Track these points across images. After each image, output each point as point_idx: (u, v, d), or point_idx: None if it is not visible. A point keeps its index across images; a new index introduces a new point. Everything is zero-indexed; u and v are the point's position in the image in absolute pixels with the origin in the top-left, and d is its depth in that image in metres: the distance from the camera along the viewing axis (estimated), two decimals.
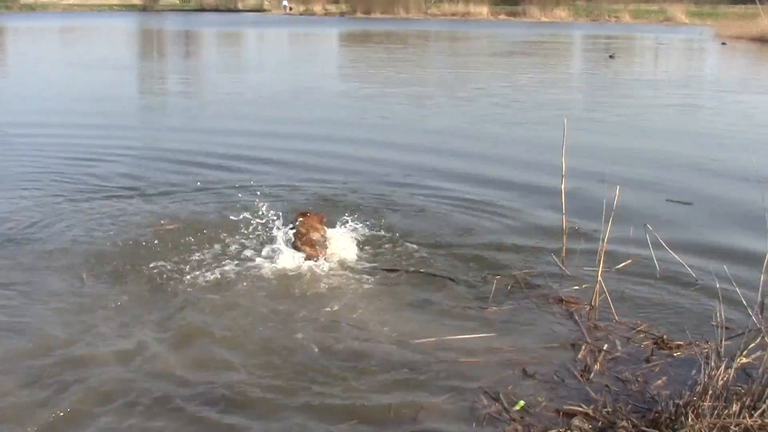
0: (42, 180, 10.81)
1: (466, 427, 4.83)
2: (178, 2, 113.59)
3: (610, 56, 35.49)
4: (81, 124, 15.90)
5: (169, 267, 7.24)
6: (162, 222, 8.40)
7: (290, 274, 7.26)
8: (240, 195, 9.58)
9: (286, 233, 7.64)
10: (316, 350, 5.80)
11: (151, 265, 7.28)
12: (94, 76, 26.93)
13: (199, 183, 10.60)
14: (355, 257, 7.71)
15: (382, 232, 8.40)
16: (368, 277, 7.27)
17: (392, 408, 5.02)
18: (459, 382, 5.36)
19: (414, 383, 5.35)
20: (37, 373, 5.33)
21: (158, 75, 29.46)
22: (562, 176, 7.49)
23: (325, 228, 7.83)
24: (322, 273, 7.29)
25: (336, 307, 6.59)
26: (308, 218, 7.79)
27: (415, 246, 8.09)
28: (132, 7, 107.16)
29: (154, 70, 31.67)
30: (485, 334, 6.10)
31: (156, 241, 7.86)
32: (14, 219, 8.78)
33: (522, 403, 5.02)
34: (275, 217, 7.86)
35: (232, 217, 8.16)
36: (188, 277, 7.05)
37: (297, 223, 7.69)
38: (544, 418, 4.90)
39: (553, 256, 7.70)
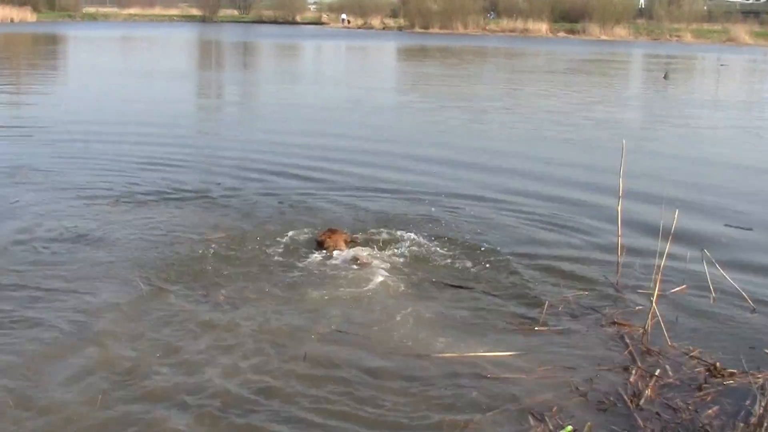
0: (98, 185, 11.06)
1: None
2: (236, 14, 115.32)
3: (664, 77, 34.91)
4: (139, 132, 16.19)
5: (216, 275, 7.38)
6: (209, 234, 8.49)
7: (329, 286, 7.31)
8: (290, 206, 9.69)
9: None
10: (361, 365, 5.79)
11: (201, 272, 7.43)
12: (153, 84, 27.50)
13: (252, 192, 10.74)
14: (395, 274, 7.72)
15: (435, 247, 8.39)
16: (416, 291, 7.27)
17: (436, 426, 4.98)
18: (505, 402, 5.29)
19: (459, 401, 5.31)
20: (101, 385, 5.38)
21: (216, 85, 29.99)
22: (619, 197, 7.41)
23: (351, 246, 8.17)
24: (366, 287, 7.31)
25: (383, 322, 6.58)
26: (335, 234, 8.17)
27: (467, 260, 8.07)
28: (191, 18, 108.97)
29: (212, 80, 32.23)
30: (534, 354, 6.03)
31: (206, 250, 8.02)
32: (69, 224, 8.97)
33: (569, 428, 4.93)
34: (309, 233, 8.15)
35: (274, 228, 8.37)
36: (234, 285, 7.18)
37: (321, 238, 8.13)
38: None
39: (607, 278, 7.60)
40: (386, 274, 7.54)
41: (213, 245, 8.17)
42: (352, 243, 8.23)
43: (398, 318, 6.66)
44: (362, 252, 8.09)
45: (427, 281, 7.52)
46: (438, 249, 8.36)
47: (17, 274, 7.27)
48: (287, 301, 6.93)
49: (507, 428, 4.96)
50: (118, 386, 5.33)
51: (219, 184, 11.32)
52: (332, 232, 8.19)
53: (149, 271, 7.45)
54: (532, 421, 5.04)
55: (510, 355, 5.97)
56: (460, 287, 7.38)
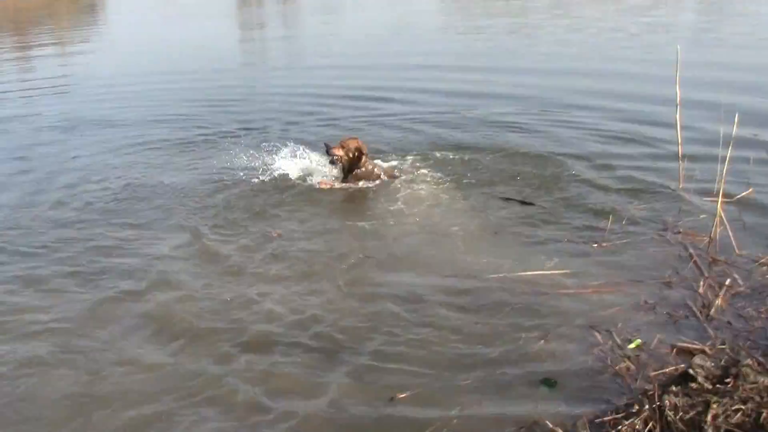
0: (151, 132, 11.16)
1: (577, 365, 4.70)
2: None
3: None
4: (186, 76, 16.25)
5: (270, 212, 7.50)
6: (262, 172, 8.53)
7: (381, 211, 7.38)
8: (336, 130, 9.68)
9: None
10: (422, 290, 5.77)
11: (256, 211, 7.55)
12: (195, 25, 27.43)
13: (301, 121, 10.71)
14: (452, 191, 7.68)
15: (491, 163, 8.34)
16: (473, 209, 7.24)
17: (499, 345, 4.96)
18: (570, 318, 5.23)
19: (523, 320, 5.26)
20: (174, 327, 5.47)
21: (258, 21, 29.75)
22: (677, 105, 7.18)
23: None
24: (419, 207, 7.33)
25: (441, 242, 6.58)
26: (348, 141, 8.07)
27: (527, 176, 8.02)
28: None
29: (253, 16, 31.98)
30: (597, 268, 5.94)
31: (260, 188, 8.12)
32: (127, 174, 9.08)
33: (638, 341, 4.85)
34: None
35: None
36: (288, 220, 7.29)
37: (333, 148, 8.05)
38: (661, 357, 4.72)
39: (670, 187, 7.43)
40: (442, 193, 7.54)
41: (266, 183, 8.24)
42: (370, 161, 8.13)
43: (456, 237, 6.65)
44: (384, 164, 8.25)
45: (485, 198, 7.49)
46: (496, 166, 8.32)
47: (81, 225, 7.43)
48: (340, 230, 7.03)
49: (572, 346, 4.92)
50: (190, 327, 5.42)
51: (271, 119, 11.32)
52: (345, 141, 8.09)
53: (207, 213, 7.54)
54: (599, 337, 4.99)
55: (572, 272, 5.88)
56: (523, 202, 7.33)
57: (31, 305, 5.82)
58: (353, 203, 7.82)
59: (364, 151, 8.04)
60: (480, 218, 7.09)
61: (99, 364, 4.98)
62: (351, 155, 7.95)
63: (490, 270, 5.97)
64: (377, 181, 8.07)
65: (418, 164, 8.63)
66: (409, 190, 7.84)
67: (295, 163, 8.42)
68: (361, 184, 8.03)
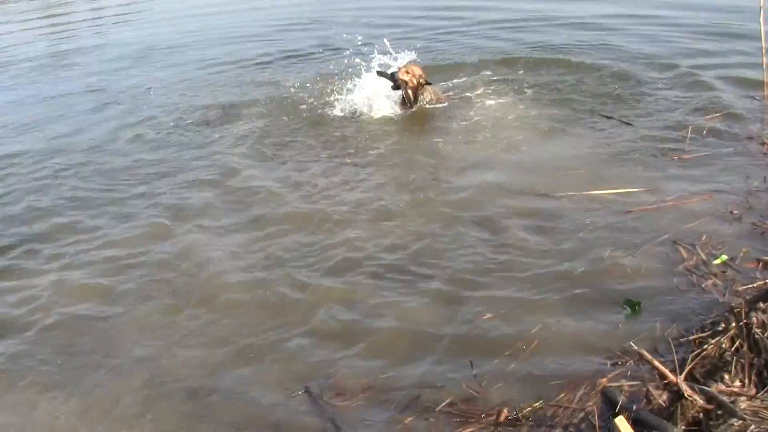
0: (221, 56, 11.25)
1: (661, 282, 4.63)
2: None
3: None
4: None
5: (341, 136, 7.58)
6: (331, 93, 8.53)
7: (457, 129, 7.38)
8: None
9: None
10: (499, 211, 5.75)
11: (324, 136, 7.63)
12: None
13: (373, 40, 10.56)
14: (530, 108, 7.58)
15: (570, 76, 8.23)
16: (552, 124, 7.16)
17: (580, 264, 4.91)
18: (652, 235, 5.13)
19: (604, 238, 5.19)
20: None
21: None
22: (760, 9, 6.89)
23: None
24: (493, 125, 7.29)
25: (513, 160, 6.56)
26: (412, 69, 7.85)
27: (605, 88, 7.88)
28: None
29: None
30: (678, 182, 5.80)
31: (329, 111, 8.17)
32: (199, 101, 9.20)
33: (724, 257, 4.74)
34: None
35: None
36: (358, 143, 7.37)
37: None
38: (748, 272, 4.61)
39: (753, 96, 7.16)
40: (514, 110, 7.46)
41: (336, 105, 8.27)
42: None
43: (532, 155, 6.59)
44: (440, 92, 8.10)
45: (564, 111, 7.39)
46: (575, 78, 8.22)
47: (157, 154, 7.64)
48: (411, 153, 7.04)
49: (656, 263, 4.83)
50: (271, 254, 5.54)
51: (344, 37, 11.20)
52: (409, 67, 7.89)
53: (280, 140, 7.63)
54: (684, 253, 4.90)
55: (652, 187, 5.76)
56: (607, 117, 7.19)
57: (116, 238, 6.02)
58: (423, 125, 7.79)
59: (426, 78, 7.89)
60: (556, 134, 6.99)
61: (184, 298, 5.13)
62: (417, 81, 7.79)
63: (568, 188, 5.89)
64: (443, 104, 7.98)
65: (488, 79, 8.52)
66: (480, 108, 7.78)
67: (363, 88, 8.31)
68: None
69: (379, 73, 8.02)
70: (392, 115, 7.93)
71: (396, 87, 7.83)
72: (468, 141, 7.11)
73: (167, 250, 5.73)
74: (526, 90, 8.11)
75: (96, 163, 7.55)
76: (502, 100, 7.91)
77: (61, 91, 10.49)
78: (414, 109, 7.90)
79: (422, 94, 7.91)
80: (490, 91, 8.18)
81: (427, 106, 7.93)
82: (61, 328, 4.94)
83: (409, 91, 7.82)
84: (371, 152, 7.08)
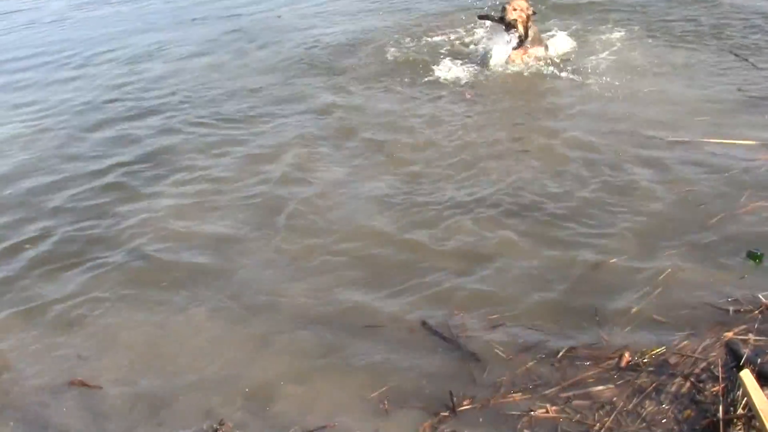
0: None
1: None
2: None
3: None
4: None
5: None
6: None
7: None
8: None
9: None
10: (611, 153, 5.77)
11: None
12: None
13: None
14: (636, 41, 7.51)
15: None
16: (668, 67, 7.06)
17: (699, 213, 4.91)
18: None
19: (729, 183, 5.17)
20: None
21: None
22: None
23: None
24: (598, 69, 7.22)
25: (635, 99, 6.51)
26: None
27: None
28: None
29: None
30: None
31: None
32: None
33: None
34: None
35: None
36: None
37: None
38: None
39: None
40: (629, 49, 7.35)
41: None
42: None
43: (661, 97, 6.54)
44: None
45: (680, 52, 7.27)
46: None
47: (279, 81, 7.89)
48: (529, 93, 7.08)
49: None
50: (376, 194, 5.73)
51: None
52: (515, 4, 7.59)
53: (403, 76, 7.73)
54: None
55: None
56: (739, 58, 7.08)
57: (231, 175, 6.24)
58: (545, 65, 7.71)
59: (534, 9, 7.68)
60: (674, 76, 6.84)
61: (305, 228, 5.35)
62: (526, 14, 7.52)
63: (694, 133, 5.83)
64: (543, 48, 7.79)
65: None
66: (604, 46, 7.63)
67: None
68: (531, 51, 7.69)
69: (483, 17, 7.85)
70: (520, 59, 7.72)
71: (508, 26, 7.55)
72: (589, 82, 7.05)
73: (287, 179, 5.98)
74: (641, 28, 7.91)
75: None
76: (628, 40, 7.74)
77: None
78: (528, 41, 7.68)
79: (531, 27, 7.64)
80: (617, 32, 8.03)
81: (531, 51, 7.70)
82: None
83: (521, 27, 7.56)
84: (486, 90, 7.09)
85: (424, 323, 4.26)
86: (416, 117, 6.70)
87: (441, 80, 7.49)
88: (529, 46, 7.63)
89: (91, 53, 9.97)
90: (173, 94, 7.90)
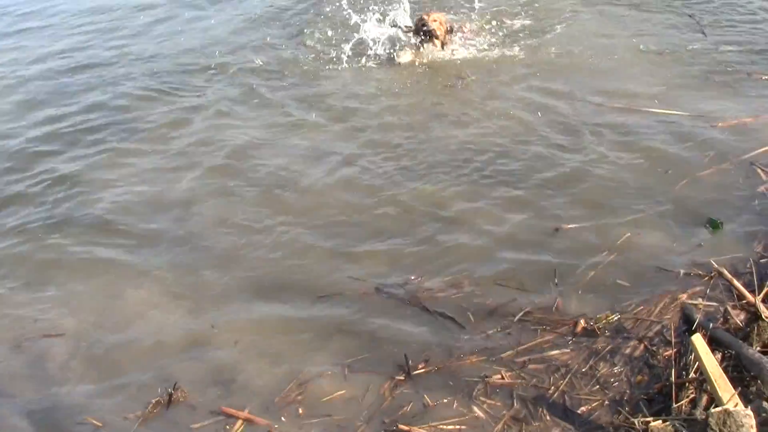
0: None
1: (741, 203, 4.65)
2: None
3: None
4: None
5: None
6: None
7: None
8: None
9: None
10: (576, 121, 5.77)
11: None
12: None
13: None
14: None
15: None
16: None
17: (659, 182, 4.93)
18: (735, 152, 5.13)
19: (686, 152, 5.20)
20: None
21: None
22: None
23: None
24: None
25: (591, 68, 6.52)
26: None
27: None
28: None
29: None
30: (760, 102, 5.76)
31: None
32: None
33: None
34: None
35: None
36: None
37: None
38: None
39: None
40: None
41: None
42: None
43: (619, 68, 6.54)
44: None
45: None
46: None
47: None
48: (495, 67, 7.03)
49: (737, 182, 4.84)
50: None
51: None
52: (433, 14, 7.39)
53: None
54: (762, 176, 4.89)
55: (726, 107, 5.72)
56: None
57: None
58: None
59: (452, 25, 7.49)
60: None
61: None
62: (445, 28, 7.32)
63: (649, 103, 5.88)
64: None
65: None
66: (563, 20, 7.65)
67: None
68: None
69: (396, 25, 7.54)
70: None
71: (425, 36, 7.29)
72: (546, 52, 7.07)
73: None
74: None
75: None
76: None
77: None
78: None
79: (450, 42, 7.34)
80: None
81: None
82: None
83: (437, 42, 7.27)
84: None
85: (377, 289, 4.27)
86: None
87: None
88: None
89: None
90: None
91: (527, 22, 7.80)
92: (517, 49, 7.18)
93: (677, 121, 5.61)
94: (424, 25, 7.22)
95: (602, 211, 4.69)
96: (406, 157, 5.54)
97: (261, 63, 7.32)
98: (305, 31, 8.07)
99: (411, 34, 7.37)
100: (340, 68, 7.17)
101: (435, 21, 7.22)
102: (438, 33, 7.19)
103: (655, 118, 5.68)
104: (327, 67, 7.21)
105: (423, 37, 7.25)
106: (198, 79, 7.21)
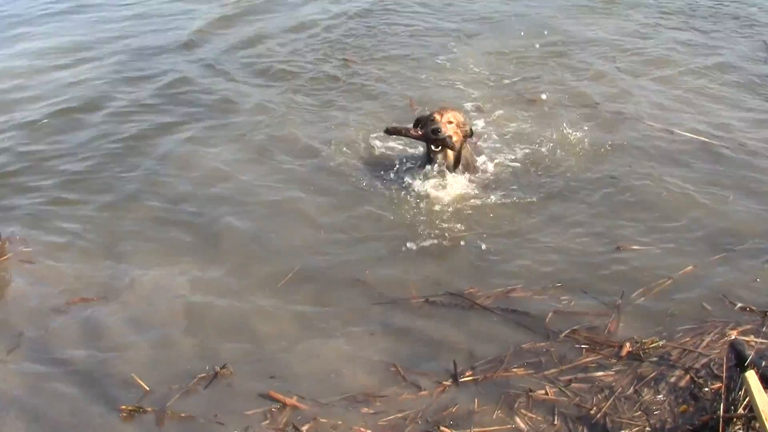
0: None
1: None
2: None
3: None
4: None
5: None
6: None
7: None
8: None
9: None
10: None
11: None
12: None
13: None
14: None
15: None
16: None
17: (719, 210, 4.99)
18: None
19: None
20: None
21: None
22: None
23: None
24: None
25: None
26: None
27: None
28: None
29: None
30: None
31: None
32: None
33: None
34: None
35: None
36: None
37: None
38: None
39: None
40: None
41: None
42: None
43: None
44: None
45: None
46: None
47: None
48: None
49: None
50: None
51: None
52: (449, 112, 5.37)
53: None
54: None
55: None
56: None
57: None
58: None
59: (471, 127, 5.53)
60: None
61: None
62: (464, 133, 5.37)
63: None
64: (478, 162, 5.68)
65: None
66: None
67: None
68: (467, 175, 5.50)
69: (393, 131, 5.48)
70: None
71: (443, 147, 5.30)
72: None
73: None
74: None
75: None
76: None
77: None
78: (459, 173, 5.51)
79: (465, 147, 5.49)
80: None
81: (466, 175, 5.53)
82: None
83: (451, 153, 5.43)
84: None
85: (433, 295, 4.30)
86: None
87: None
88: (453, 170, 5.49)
89: None
90: None
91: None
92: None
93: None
94: (435, 130, 5.16)
95: (662, 238, 4.73)
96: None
97: None
98: None
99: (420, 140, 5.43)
100: None
101: (451, 123, 5.27)
102: (453, 142, 5.25)
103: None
104: None
105: (434, 148, 5.31)
106: None
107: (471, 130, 5.41)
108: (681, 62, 7.31)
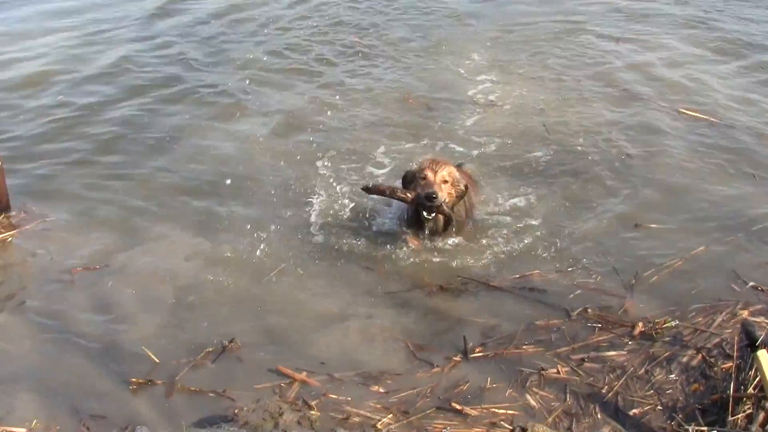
0: None
1: None
2: None
3: None
4: None
5: None
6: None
7: None
8: None
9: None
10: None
11: None
12: None
13: None
14: None
15: None
16: None
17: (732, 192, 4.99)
18: None
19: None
20: None
21: None
22: None
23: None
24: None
25: None
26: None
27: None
28: None
29: None
30: None
31: None
32: None
33: None
34: None
35: None
36: None
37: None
38: None
39: None
40: None
41: None
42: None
43: None
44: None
45: None
46: None
47: None
48: None
49: None
50: None
51: None
52: (441, 166, 4.60)
53: None
54: None
55: None
56: None
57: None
58: None
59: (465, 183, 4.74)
60: None
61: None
62: (458, 192, 4.60)
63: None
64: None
65: None
66: None
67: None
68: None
69: (373, 190, 4.63)
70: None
71: (432, 212, 4.51)
72: None
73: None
74: None
75: None
76: None
77: None
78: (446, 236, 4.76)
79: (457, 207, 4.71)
80: None
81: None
82: None
83: (441, 218, 4.62)
84: None
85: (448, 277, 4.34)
86: None
87: None
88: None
89: None
90: None
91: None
92: None
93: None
94: (431, 195, 4.37)
95: (674, 220, 4.74)
96: None
97: None
98: None
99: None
100: None
101: (446, 182, 4.53)
102: (449, 210, 4.52)
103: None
104: None
105: (427, 215, 4.49)
106: None
107: (465, 187, 4.60)
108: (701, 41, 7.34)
